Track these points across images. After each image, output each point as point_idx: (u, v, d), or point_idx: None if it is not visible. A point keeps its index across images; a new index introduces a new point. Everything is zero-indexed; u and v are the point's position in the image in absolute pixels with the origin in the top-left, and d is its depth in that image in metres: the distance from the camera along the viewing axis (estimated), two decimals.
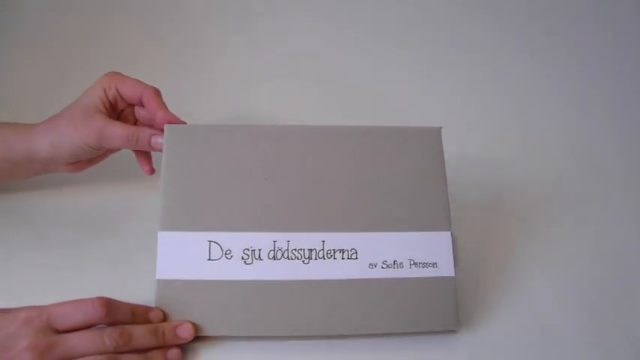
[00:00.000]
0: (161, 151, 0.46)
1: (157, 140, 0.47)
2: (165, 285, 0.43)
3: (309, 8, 0.76)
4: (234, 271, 0.43)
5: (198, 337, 0.43)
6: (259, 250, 0.43)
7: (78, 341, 0.39)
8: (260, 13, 0.75)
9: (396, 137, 0.46)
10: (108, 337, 0.39)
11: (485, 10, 0.77)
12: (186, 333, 0.42)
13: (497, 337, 0.45)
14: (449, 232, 0.45)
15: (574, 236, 0.58)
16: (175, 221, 0.44)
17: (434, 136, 0.47)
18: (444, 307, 0.43)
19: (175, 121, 0.48)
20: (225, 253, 0.43)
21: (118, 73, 0.49)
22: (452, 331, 0.45)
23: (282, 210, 0.44)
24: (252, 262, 0.43)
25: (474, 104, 0.69)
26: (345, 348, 0.44)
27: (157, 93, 0.49)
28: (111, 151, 0.51)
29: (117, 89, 0.48)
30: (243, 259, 0.43)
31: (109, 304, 0.40)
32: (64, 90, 0.68)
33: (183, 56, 0.73)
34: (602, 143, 0.73)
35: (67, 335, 0.39)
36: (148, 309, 0.43)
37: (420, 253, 0.44)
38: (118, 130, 0.47)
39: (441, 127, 0.47)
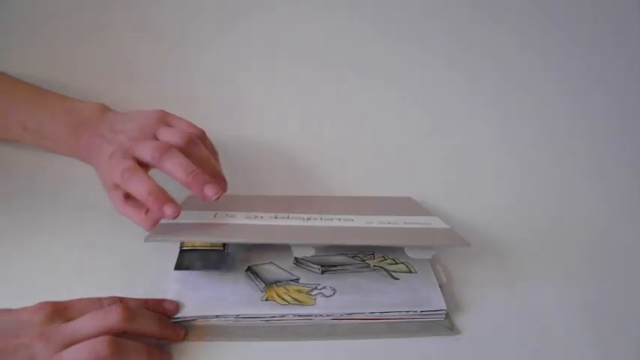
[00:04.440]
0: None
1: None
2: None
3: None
4: (237, 221, 0.49)
5: (199, 335, 0.43)
6: (262, 216, 0.51)
7: (80, 323, 0.39)
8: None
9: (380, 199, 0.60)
10: (110, 313, 0.40)
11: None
12: (181, 331, 0.43)
13: (496, 337, 0.45)
14: (436, 216, 0.52)
15: (573, 238, 0.58)
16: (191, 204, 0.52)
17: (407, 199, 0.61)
18: (450, 234, 0.48)
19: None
20: (230, 216, 0.50)
21: (129, 170, 0.48)
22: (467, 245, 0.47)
23: (284, 203, 0.54)
24: (254, 219, 0.50)
25: None
26: (345, 348, 0.44)
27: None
28: None
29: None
30: (247, 218, 0.50)
31: (126, 307, 0.41)
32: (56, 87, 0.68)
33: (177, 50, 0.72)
34: (601, 141, 0.73)
35: (73, 321, 0.39)
36: (160, 300, 0.45)
37: (412, 219, 0.51)
38: (128, 214, 0.51)
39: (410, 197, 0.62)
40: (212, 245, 0.50)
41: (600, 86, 0.72)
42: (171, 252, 0.50)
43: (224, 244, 0.50)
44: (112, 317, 0.39)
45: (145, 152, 0.48)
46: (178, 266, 0.48)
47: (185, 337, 0.43)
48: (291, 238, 0.45)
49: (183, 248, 0.50)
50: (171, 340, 0.43)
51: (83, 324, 0.39)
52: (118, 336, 0.39)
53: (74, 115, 0.56)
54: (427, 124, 0.72)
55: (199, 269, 0.48)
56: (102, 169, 0.51)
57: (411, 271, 0.50)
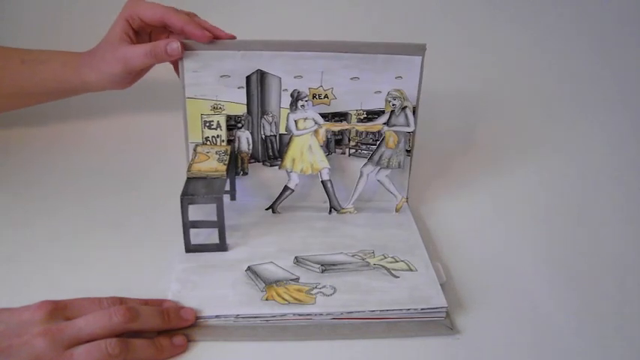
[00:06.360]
0: (179, 56, 0.52)
1: (172, 46, 0.51)
2: None
3: None
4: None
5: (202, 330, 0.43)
6: None
7: (84, 322, 0.40)
8: None
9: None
10: (115, 314, 0.40)
11: None
12: (189, 315, 0.43)
13: (496, 337, 0.45)
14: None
15: (573, 237, 0.58)
16: None
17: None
18: None
19: (199, 33, 0.51)
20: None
21: (138, 0, 0.53)
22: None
23: None
24: None
25: None
26: (345, 348, 0.44)
27: (177, 13, 0.52)
28: (143, 70, 0.56)
29: (139, 17, 0.53)
30: None
31: (129, 308, 0.41)
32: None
33: None
34: (601, 140, 0.73)
35: (75, 319, 0.40)
36: (161, 301, 0.45)
37: None
38: (135, 51, 0.52)
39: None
40: (217, 169, 0.53)
41: None
42: (171, 253, 0.50)
43: (227, 170, 0.53)
44: (117, 319, 0.40)
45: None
46: (184, 193, 0.50)
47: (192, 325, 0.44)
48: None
49: (189, 176, 0.52)
50: (180, 327, 0.43)
51: (88, 324, 0.39)
52: (123, 334, 0.40)
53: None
54: None
55: (204, 195, 0.50)
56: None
57: (411, 269, 0.50)
